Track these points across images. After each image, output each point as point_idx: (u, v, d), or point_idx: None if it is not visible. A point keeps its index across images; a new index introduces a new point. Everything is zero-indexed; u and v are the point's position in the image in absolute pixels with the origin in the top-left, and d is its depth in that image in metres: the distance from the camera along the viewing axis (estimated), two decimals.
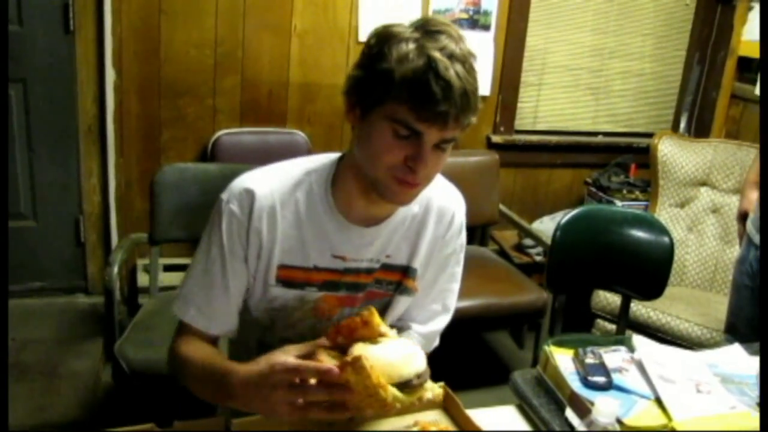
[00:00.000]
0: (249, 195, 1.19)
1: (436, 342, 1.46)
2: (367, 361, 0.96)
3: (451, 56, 1.06)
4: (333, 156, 1.26)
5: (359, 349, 1.02)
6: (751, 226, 2.08)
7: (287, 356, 1.04)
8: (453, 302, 1.44)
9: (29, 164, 2.92)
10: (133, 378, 2.04)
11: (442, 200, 1.32)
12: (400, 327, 1.38)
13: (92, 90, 2.91)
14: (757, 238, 2.04)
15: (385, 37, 1.10)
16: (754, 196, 2.19)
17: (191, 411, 1.32)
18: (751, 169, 2.28)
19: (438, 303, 1.41)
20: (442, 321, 1.43)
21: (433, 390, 1.09)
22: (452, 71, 1.05)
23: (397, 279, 1.32)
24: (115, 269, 2.24)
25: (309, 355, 1.05)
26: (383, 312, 1.33)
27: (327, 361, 1.01)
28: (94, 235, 3.09)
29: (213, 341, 1.26)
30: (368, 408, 1.02)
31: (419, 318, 1.41)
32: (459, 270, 1.42)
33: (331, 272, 1.24)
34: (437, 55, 1.05)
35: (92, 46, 2.85)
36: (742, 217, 2.22)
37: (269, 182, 1.22)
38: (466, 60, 1.08)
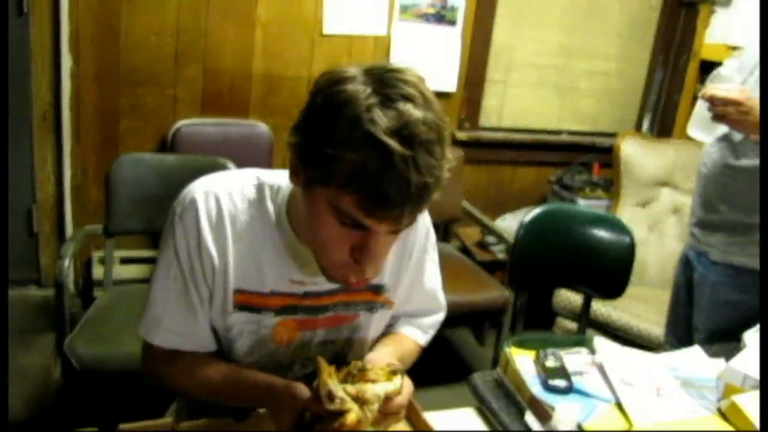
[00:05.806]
0: (194, 209, 1.08)
1: (431, 332, 1.43)
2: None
3: (410, 139, 0.87)
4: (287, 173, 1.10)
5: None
6: (695, 228, 2.07)
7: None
8: (442, 298, 1.41)
9: None
10: (82, 375, 1.99)
11: None
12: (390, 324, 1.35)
13: (47, 76, 2.81)
14: (699, 238, 2.02)
15: (330, 98, 0.91)
16: None
17: (141, 409, 1.28)
18: None
19: (423, 304, 1.38)
20: (437, 317, 1.43)
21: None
22: (411, 166, 0.86)
23: (365, 299, 1.23)
24: (67, 262, 2.17)
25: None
26: (356, 332, 1.26)
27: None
28: (48, 225, 3.00)
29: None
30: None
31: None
32: (436, 270, 1.38)
33: (290, 297, 1.15)
34: (394, 145, 0.86)
35: (47, 30, 2.76)
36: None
37: (218, 195, 1.10)
38: (429, 137, 0.88)
